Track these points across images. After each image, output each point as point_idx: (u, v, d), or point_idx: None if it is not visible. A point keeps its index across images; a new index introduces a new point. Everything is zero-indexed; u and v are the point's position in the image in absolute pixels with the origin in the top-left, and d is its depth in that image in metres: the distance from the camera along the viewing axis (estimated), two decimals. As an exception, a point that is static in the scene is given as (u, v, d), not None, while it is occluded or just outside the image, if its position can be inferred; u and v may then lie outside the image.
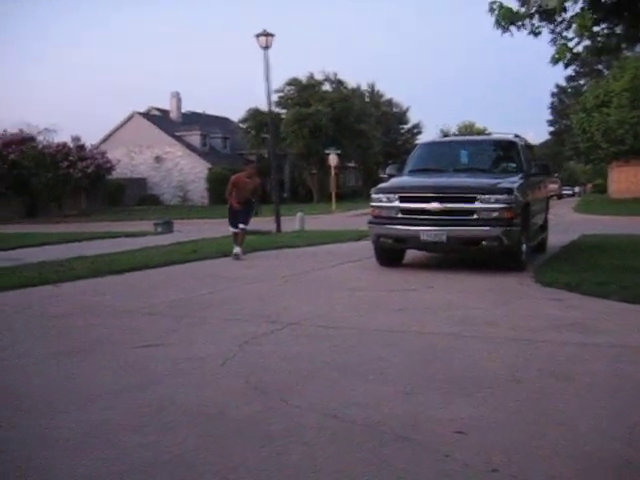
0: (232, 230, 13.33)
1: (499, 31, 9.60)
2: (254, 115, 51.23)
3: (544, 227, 13.02)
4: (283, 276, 10.10)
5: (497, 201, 9.59)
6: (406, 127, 70.88)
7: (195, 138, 52.92)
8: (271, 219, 21.05)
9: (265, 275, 10.26)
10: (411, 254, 11.64)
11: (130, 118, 52.96)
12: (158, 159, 51.75)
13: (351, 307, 7.45)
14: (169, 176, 51.49)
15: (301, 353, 5.43)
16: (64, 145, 38.57)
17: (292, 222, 21.22)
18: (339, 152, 42.75)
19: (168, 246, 15.34)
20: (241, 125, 54.72)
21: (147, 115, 54.76)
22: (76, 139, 40.01)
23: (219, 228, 18.11)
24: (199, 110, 60.73)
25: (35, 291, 9.02)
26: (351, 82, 56.81)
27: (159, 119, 54.77)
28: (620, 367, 4.85)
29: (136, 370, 5.03)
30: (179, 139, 52.29)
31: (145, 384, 4.66)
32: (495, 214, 9.59)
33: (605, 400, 4.14)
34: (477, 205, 9.64)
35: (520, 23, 9.48)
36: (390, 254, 10.94)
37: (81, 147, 39.52)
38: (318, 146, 47.96)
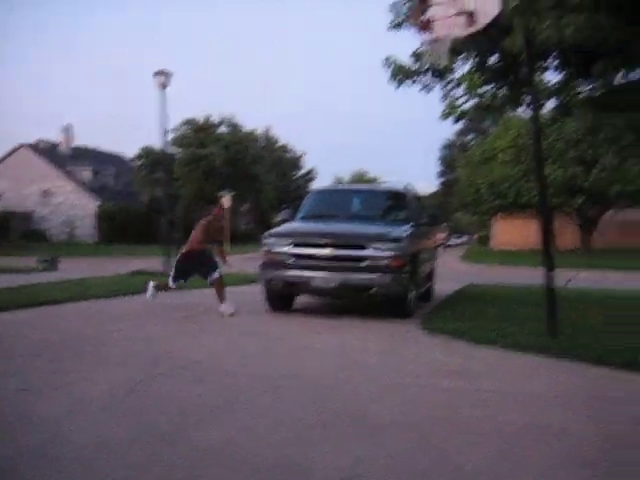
0: (172, 285, 10.76)
1: (394, 84, 9.95)
2: (148, 153, 50.65)
3: (432, 275, 13.39)
4: (173, 318, 9.90)
5: (387, 249, 9.81)
6: (300, 173, 71.74)
7: (86, 174, 51.65)
8: (161, 259, 20.67)
9: (154, 317, 10.03)
10: (302, 299, 11.68)
11: (17, 149, 51.13)
12: (46, 193, 50.05)
13: (239, 351, 7.38)
14: (57, 211, 49.88)
15: (189, 397, 5.31)
16: (-57, 174, 36.68)
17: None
18: (233, 194, 42.65)
19: (52, 284, 14.75)
20: (134, 163, 53.89)
21: (36, 147, 53.03)
22: (-43, 169, 38.18)
23: (108, 267, 17.64)
24: (91, 145, 59.45)
25: None
26: (247, 126, 57.20)
27: (48, 152, 53.16)
28: (503, 413, 5.00)
29: (15, 416, 4.77)
30: (69, 174, 50.89)
31: (26, 430, 4.42)
32: (385, 262, 9.80)
33: (489, 445, 4.26)
34: (367, 252, 9.82)
35: (414, 79, 9.85)
36: (281, 299, 10.94)
37: (-38, 177, 37.68)
38: (212, 188, 47.74)
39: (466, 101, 9.93)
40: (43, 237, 47.92)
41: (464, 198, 46.67)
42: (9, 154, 51.17)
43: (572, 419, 4.91)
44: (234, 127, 54.85)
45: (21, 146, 51.25)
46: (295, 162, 71.15)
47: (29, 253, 29.98)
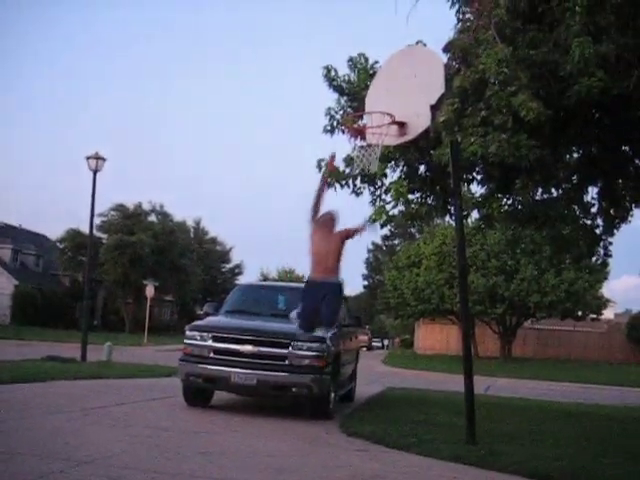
0: None
1: (324, 186, 10.13)
2: (73, 236, 49.73)
3: (353, 377, 13.31)
4: (82, 409, 9.47)
5: (309, 349, 9.74)
6: (228, 267, 71.51)
7: (5, 252, 50.20)
8: (76, 346, 20.02)
9: (63, 407, 9.57)
10: (220, 395, 11.40)
11: None
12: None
13: (151, 448, 7.07)
14: (-31, 289, 47.98)
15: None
16: None
17: (99, 351, 20.27)
18: (157, 284, 42.18)
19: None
20: (58, 244, 52.80)
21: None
22: None
23: (20, 350, 16.92)
24: (14, 223, 57.96)
25: None
26: (177, 216, 57.12)
27: (-34, 228, 51.65)
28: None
29: None
30: (-14, 251, 49.39)
31: None
32: (306, 361, 9.71)
33: None
34: (289, 351, 9.74)
35: (344, 182, 10.07)
36: (198, 394, 10.64)
37: None
38: (137, 275, 47.05)
39: (394, 207, 10.17)
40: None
41: (388, 301, 47.14)
42: None
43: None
44: (164, 216, 54.68)
45: None
46: (223, 255, 71.00)
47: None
